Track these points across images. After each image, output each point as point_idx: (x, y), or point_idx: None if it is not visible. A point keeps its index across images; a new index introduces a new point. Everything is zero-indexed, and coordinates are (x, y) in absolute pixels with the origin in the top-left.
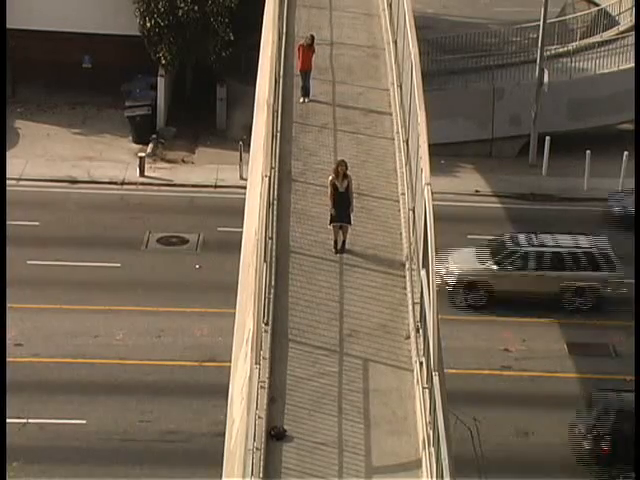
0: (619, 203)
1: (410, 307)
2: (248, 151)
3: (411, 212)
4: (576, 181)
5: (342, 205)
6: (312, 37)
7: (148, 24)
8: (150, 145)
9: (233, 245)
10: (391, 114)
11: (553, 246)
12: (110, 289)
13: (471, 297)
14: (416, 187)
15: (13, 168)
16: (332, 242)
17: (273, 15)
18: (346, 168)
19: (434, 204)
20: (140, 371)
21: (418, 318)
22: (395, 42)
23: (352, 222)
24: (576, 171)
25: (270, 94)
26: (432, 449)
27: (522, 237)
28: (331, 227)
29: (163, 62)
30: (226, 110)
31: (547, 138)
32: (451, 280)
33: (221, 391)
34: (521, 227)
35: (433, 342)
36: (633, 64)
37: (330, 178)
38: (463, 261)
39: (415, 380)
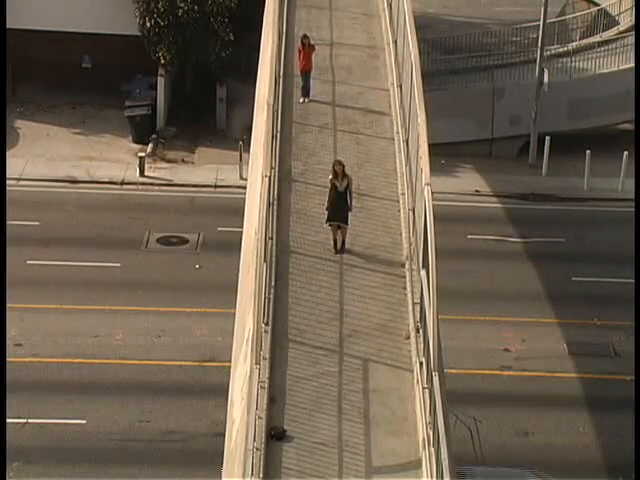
0: None
1: (410, 307)
2: (248, 151)
3: (411, 212)
4: (576, 181)
5: (339, 204)
6: (305, 36)
7: (148, 24)
8: (150, 145)
9: (233, 245)
10: (391, 114)
11: None
12: (110, 289)
13: None
14: (416, 187)
15: (13, 168)
16: (332, 242)
17: (273, 15)
18: (343, 167)
19: (434, 204)
20: (140, 371)
21: (418, 318)
22: (395, 42)
23: (349, 223)
24: (576, 171)
25: (270, 94)
26: (432, 449)
27: None
28: (327, 226)
29: (163, 62)
30: (226, 110)
31: (547, 138)
32: None
33: (221, 391)
34: (521, 227)
35: (433, 342)
36: (633, 64)
37: (330, 177)
38: None
39: (415, 380)
